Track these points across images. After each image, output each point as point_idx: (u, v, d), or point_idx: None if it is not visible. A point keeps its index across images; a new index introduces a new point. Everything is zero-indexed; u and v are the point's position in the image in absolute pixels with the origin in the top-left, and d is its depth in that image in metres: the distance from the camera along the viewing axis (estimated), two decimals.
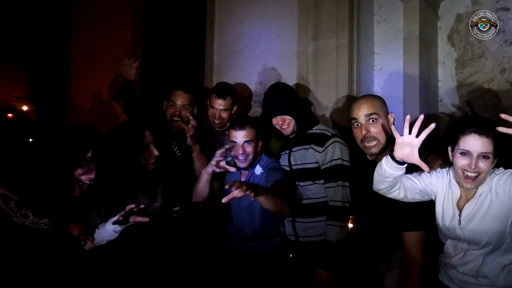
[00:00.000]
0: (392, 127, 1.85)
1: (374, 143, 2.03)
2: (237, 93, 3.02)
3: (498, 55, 3.20)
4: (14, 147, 4.38)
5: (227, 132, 2.60)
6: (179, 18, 4.66)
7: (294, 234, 2.39)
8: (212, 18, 3.97)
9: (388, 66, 3.35)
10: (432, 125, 1.70)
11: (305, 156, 2.37)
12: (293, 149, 2.44)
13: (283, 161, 2.50)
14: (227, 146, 2.43)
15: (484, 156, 1.75)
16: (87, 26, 5.04)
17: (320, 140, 2.32)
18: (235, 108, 2.96)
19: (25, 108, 5.69)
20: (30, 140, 4.69)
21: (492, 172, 1.83)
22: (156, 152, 2.29)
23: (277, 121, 2.42)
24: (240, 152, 2.36)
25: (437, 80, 3.42)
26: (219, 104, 2.81)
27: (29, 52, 5.69)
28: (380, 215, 2.17)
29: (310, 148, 2.34)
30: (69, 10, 5.24)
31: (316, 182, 2.34)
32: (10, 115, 5.32)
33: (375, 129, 2.03)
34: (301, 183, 2.39)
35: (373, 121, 2.03)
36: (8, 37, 5.44)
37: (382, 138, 2.02)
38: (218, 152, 2.37)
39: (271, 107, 2.45)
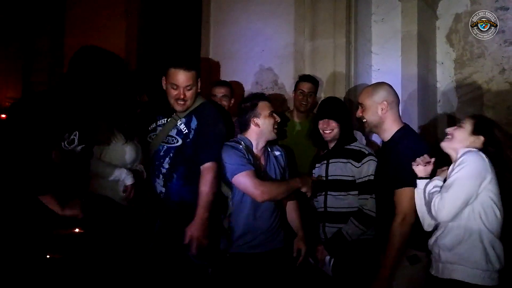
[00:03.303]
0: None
1: (364, 120, 2.36)
2: None
3: (497, 55, 3.18)
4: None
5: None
6: (174, 18, 4.61)
7: (325, 237, 2.53)
8: (207, 18, 3.93)
9: (386, 66, 3.33)
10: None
11: (342, 169, 2.50)
12: (331, 161, 2.56)
13: (319, 170, 2.63)
14: None
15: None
16: (81, 26, 4.98)
17: (358, 157, 2.48)
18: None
19: None
20: None
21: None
22: (146, 98, 2.60)
23: (322, 124, 2.59)
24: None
25: (435, 80, 3.40)
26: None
27: (23, 52, 5.63)
28: (384, 200, 2.28)
29: (348, 162, 2.49)
30: (62, 9, 5.18)
31: (350, 193, 2.48)
32: (3, 116, 5.26)
33: (363, 113, 2.35)
34: (334, 193, 2.51)
35: (361, 107, 2.36)
36: (1, 37, 5.38)
37: (369, 119, 2.33)
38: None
39: (321, 110, 2.67)
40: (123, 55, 4.58)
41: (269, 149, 2.54)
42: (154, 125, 2.54)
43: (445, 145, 2.08)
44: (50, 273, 2.56)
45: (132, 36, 4.65)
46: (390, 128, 2.28)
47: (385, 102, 2.26)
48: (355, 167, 2.46)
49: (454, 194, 1.89)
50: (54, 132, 2.14)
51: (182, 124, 2.49)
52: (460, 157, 1.95)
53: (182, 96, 2.41)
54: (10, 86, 5.52)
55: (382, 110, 2.26)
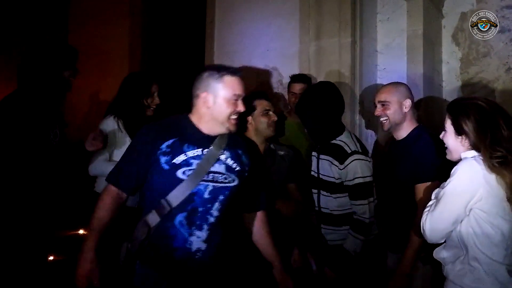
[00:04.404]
0: None
1: (385, 118, 2.32)
2: None
3: (503, 54, 3.16)
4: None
5: None
6: (178, 17, 4.60)
7: (323, 237, 2.49)
8: (212, 17, 3.91)
9: (392, 66, 3.31)
10: None
11: (327, 169, 2.42)
12: (320, 156, 2.48)
13: (313, 165, 2.54)
14: None
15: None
16: (84, 26, 4.97)
17: (339, 156, 2.37)
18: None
19: None
20: None
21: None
22: (158, 100, 2.70)
23: None
24: None
25: (441, 79, 3.38)
26: None
27: (24, 51, 5.61)
28: (396, 199, 2.30)
29: (333, 164, 2.39)
30: (65, 9, 5.17)
31: (338, 195, 2.40)
32: None
33: (386, 111, 2.32)
34: (324, 193, 2.46)
35: (382, 105, 2.33)
36: (2, 37, 5.37)
37: (392, 117, 2.30)
38: None
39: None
40: (127, 54, 4.59)
41: (274, 148, 2.51)
42: (183, 156, 1.79)
43: (449, 158, 1.80)
44: (53, 275, 2.54)
45: (136, 35, 4.64)
46: (407, 127, 2.31)
47: (409, 100, 2.30)
48: (338, 168, 2.36)
49: (438, 215, 1.68)
50: (40, 127, 2.37)
51: (229, 158, 1.88)
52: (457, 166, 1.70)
53: (242, 110, 1.87)
54: (11, 86, 5.50)
55: (405, 108, 2.28)
